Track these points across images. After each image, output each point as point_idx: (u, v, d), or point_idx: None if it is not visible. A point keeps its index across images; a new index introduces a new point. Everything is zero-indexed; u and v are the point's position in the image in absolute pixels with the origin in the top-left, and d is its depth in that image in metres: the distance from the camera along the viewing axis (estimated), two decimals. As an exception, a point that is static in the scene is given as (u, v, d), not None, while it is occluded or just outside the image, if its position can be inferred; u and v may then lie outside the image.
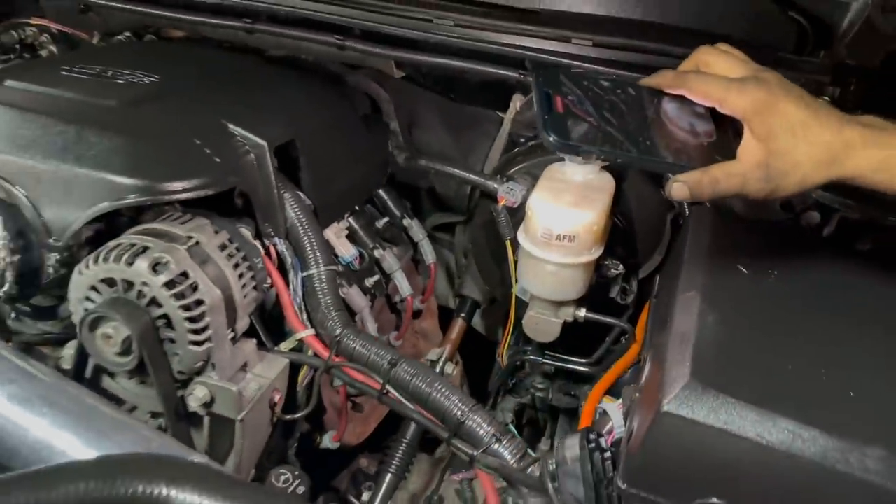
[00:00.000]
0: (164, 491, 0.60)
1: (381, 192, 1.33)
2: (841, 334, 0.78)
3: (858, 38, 1.04)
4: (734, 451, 0.68)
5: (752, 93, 0.68)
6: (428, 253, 1.36)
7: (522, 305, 1.09)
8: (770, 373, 0.71)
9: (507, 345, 1.12)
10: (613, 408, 0.83)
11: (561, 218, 0.88)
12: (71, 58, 1.14)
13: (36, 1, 1.38)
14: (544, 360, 1.10)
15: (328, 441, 1.11)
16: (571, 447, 0.80)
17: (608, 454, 0.80)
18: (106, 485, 0.61)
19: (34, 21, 1.44)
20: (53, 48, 1.45)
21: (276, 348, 0.98)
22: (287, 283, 0.99)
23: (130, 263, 0.82)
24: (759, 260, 0.86)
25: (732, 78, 0.70)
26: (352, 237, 1.20)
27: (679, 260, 0.90)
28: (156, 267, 0.82)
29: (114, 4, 1.22)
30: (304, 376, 1.00)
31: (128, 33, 1.40)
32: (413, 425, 1.15)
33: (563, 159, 0.98)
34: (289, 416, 0.97)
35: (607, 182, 0.95)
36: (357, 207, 1.25)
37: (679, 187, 0.70)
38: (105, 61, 1.10)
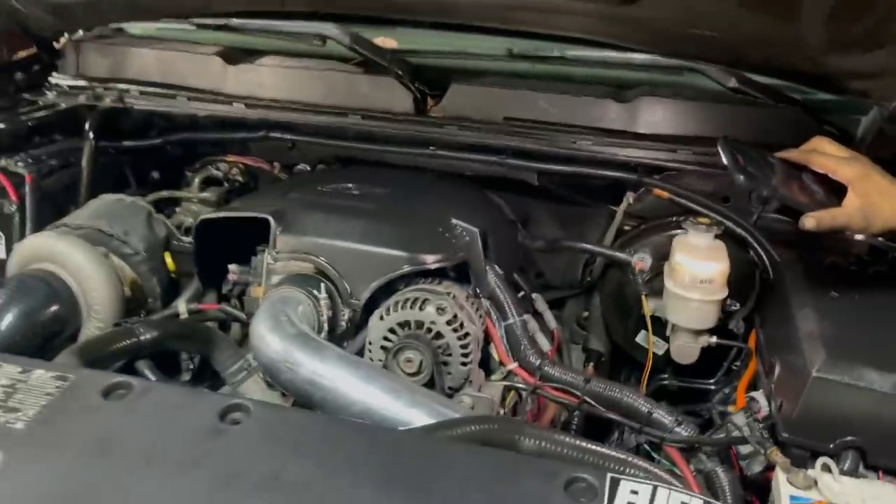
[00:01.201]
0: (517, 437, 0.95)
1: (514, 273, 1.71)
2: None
3: (873, 141, 1.49)
4: (862, 400, 1.04)
5: (854, 168, 1.11)
6: (551, 320, 1.73)
7: (642, 350, 1.47)
8: (876, 348, 1.09)
9: (646, 377, 1.47)
10: (759, 395, 1.18)
11: (702, 267, 1.28)
12: (312, 179, 1.53)
13: (245, 144, 1.79)
14: (681, 383, 1.45)
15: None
16: (737, 419, 1.16)
17: (761, 424, 1.15)
18: (487, 429, 0.96)
19: (229, 158, 1.86)
20: (241, 178, 1.85)
21: (489, 378, 1.33)
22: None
23: (422, 309, 1.18)
24: (840, 288, 1.25)
25: (840, 156, 1.13)
26: (507, 305, 1.57)
27: (784, 295, 1.29)
28: (439, 311, 1.18)
29: (322, 141, 1.64)
30: (510, 400, 1.34)
31: (305, 165, 1.82)
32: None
33: (685, 231, 1.38)
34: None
35: (722, 245, 1.35)
36: (506, 283, 1.63)
37: (810, 220, 1.11)
38: (333, 181, 1.50)
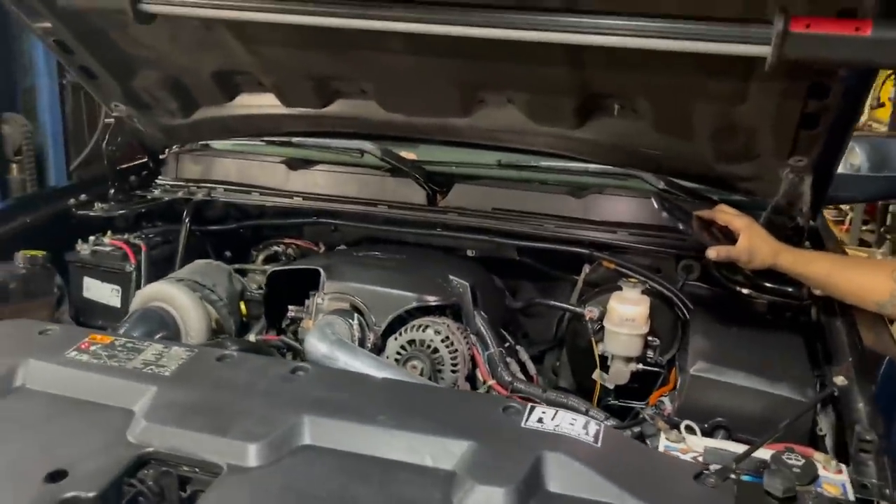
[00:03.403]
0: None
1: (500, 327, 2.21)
2: (766, 346, 1.64)
3: (766, 228, 2.01)
4: (724, 392, 1.51)
5: (744, 221, 1.67)
6: (531, 367, 2.20)
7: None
8: (738, 360, 1.56)
9: (596, 397, 1.94)
10: (667, 399, 1.65)
11: (627, 309, 1.78)
12: (350, 250, 2.09)
13: (299, 230, 2.36)
14: (621, 403, 1.91)
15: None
16: (647, 412, 1.62)
17: (667, 416, 1.61)
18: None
19: (285, 241, 2.42)
20: (294, 256, 2.41)
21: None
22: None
23: (424, 331, 1.69)
24: (728, 325, 1.74)
25: (734, 214, 1.67)
26: (494, 350, 2.07)
27: (688, 330, 1.78)
28: (436, 332, 1.69)
29: (357, 224, 2.21)
30: (490, 409, 1.80)
31: (344, 245, 2.38)
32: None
33: (620, 289, 1.89)
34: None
35: (646, 298, 1.85)
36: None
37: (713, 251, 1.64)
38: (366, 251, 2.05)
